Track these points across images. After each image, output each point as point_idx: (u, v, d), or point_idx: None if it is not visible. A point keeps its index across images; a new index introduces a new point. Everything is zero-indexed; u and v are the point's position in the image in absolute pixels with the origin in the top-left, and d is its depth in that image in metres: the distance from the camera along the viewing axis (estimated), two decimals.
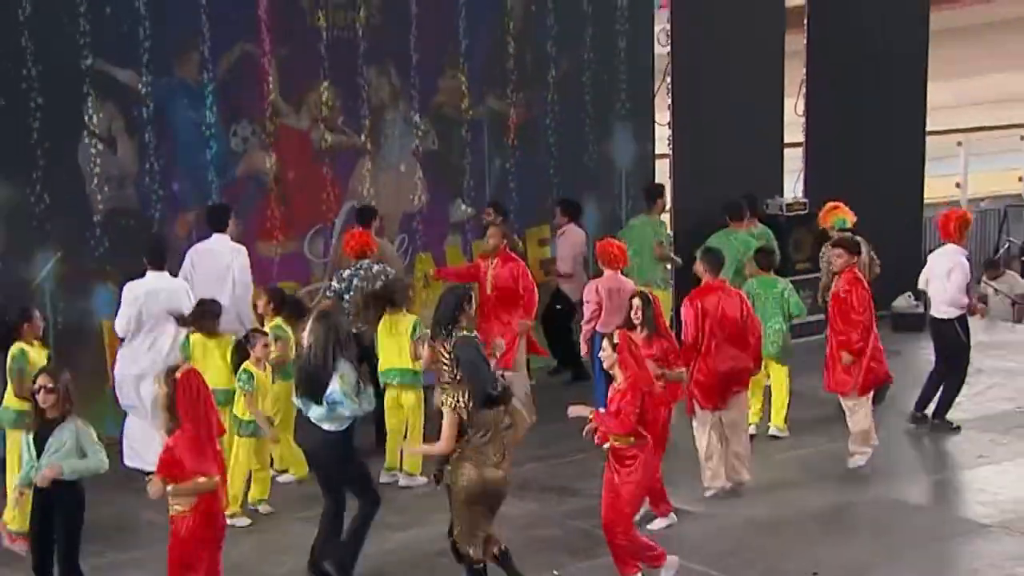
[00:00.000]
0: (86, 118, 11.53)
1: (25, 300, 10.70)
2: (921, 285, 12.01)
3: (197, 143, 12.05)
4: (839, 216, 12.07)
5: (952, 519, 9.87)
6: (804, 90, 15.63)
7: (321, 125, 12.62)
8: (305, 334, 8.77)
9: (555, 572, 9.04)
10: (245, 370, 9.68)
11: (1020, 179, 21.45)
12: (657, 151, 14.80)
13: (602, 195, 14.27)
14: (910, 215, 16.33)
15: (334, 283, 11.34)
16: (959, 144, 20.19)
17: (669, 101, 14.56)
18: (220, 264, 11.12)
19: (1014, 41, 23.31)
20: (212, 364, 9.92)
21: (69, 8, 11.33)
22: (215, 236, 11.20)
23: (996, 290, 16.46)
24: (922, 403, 11.82)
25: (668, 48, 14.50)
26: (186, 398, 7.51)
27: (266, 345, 9.69)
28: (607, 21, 14.10)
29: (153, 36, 11.71)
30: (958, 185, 20.45)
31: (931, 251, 12.62)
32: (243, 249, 11.28)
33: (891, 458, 11.09)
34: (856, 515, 10.02)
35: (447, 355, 8.56)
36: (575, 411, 8.52)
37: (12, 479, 9.01)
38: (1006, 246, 19.52)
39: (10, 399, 9.54)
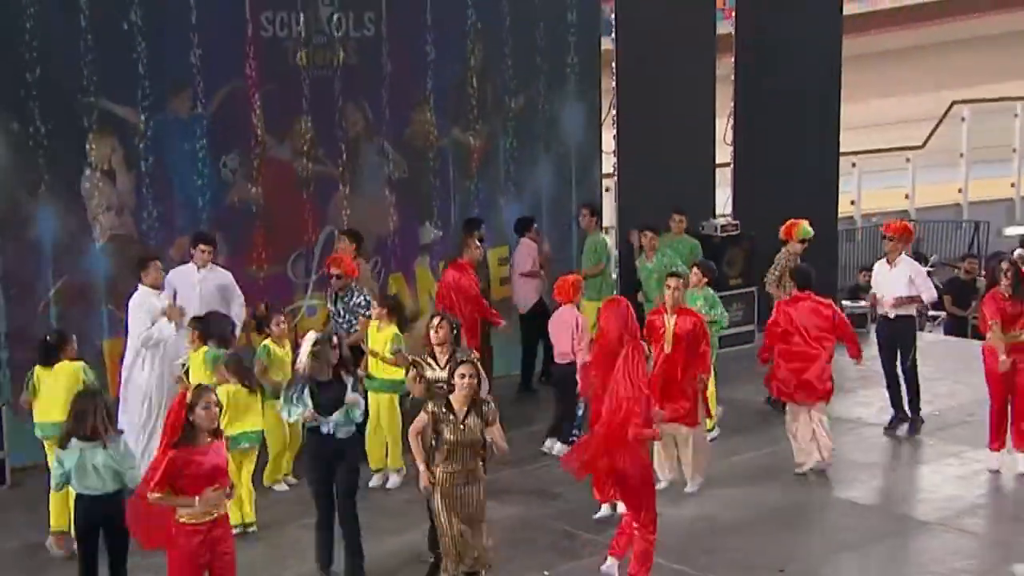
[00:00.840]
0: (88, 150, 11.87)
1: (33, 323, 11.19)
2: (873, 291, 12.61)
3: (190, 173, 12.42)
4: (803, 228, 12.81)
5: (897, 517, 10.41)
6: (732, 115, 16.19)
7: (303, 156, 13.03)
8: (305, 356, 9.17)
9: (545, 573, 9.38)
10: (265, 346, 10.41)
11: (906, 196, 22.31)
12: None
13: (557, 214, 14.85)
14: (827, 230, 16.82)
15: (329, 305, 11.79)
16: (853, 165, 20.98)
17: (614, 131, 15.22)
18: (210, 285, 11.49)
19: (893, 69, 24.30)
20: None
21: (72, 50, 11.69)
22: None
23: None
24: (900, 407, 12.43)
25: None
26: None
27: (279, 323, 10.47)
28: (558, 56, 14.64)
29: (150, 74, 12.07)
30: (853, 203, 21.26)
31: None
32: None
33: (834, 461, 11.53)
34: (810, 514, 10.59)
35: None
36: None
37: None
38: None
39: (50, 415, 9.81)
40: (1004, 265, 11.12)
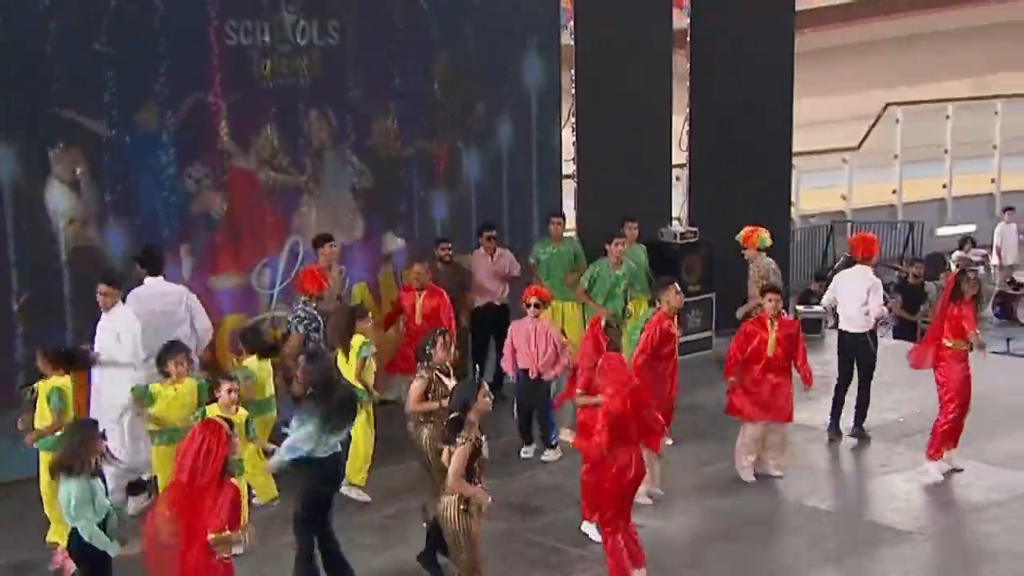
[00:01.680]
0: (52, 161, 11.64)
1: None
2: (827, 303, 12.81)
3: (155, 184, 12.23)
4: (761, 236, 12.91)
5: (872, 526, 10.52)
6: (688, 116, 16.18)
7: (267, 166, 12.89)
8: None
9: None
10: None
11: (843, 197, 22.60)
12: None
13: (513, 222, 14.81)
14: (781, 233, 16.87)
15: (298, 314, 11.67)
16: (792, 166, 21.13)
17: (573, 137, 15.22)
18: (168, 305, 11.27)
19: (827, 68, 24.55)
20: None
21: (40, 61, 11.48)
22: (153, 280, 11.30)
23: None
24: (836, 419, 12.60)
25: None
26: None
27: (231, 391, 9.82)
28: (516, 62, 14.58)
29: (117, 86, 11.84)
30: (791, 204, 21.40)
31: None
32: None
33: (801, 468, 11.76)
34: (782, 524, 10.70)
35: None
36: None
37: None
38: (842, 259, 20.49)
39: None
40: (970, 275, 11.41)
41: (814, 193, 22.39)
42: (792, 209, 21.22)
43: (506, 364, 12.10)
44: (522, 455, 12.04)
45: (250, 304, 12.89)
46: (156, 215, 12.24)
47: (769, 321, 11.27)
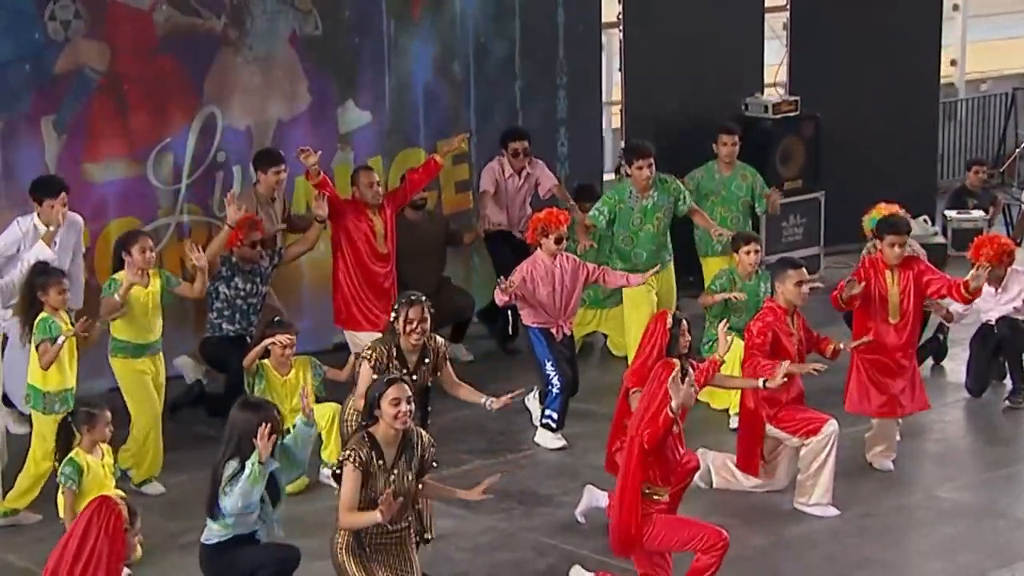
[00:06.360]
0: None
1: None
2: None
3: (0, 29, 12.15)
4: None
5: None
6: None
7: (168, 3, 12.75)
8: None
9: None
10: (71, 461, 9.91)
11: None
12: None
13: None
14: (925, 109, 17.03)
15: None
16: (955, 7, 20.53)
17: None
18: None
19: None
20: None
21: None
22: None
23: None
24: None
25: None
26: None
27: (107, 424, 9.92)
28: None
29: None
30: (953, 63, 20.86)
31: None
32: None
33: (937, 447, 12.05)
34: (905, 521, 10.72)
35: None
36: None
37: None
38: (1021, 144, 20.07)
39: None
40: None
41: (989, 47, 21.79)
42: (952, 70, 20.74)
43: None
44: (548, 445, 11.99)
45: (145, 203, 12.85)
46: (5, 74, 12.16)
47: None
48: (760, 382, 10.33)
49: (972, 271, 11.26)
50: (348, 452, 8.47)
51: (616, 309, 13.23)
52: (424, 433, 8.83)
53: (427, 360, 9.88)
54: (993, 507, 10.87)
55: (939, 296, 11.52)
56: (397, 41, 13.86)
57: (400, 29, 13.84)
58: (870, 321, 11.29)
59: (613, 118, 16.07)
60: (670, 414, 8.94)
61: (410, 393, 8.54)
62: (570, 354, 12.17)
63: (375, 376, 9.27)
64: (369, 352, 9.84)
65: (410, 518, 8.69)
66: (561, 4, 14.68)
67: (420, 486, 8.69)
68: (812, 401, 11.06)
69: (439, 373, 9.99)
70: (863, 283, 11.19)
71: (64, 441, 9.88)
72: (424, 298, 9.92)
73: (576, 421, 11.88)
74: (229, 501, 8.64)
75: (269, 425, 8.57)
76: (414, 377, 9.54)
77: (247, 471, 8.59)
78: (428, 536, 9.35)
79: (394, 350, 9.81)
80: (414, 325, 9.75)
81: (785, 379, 10.32)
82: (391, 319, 9.89)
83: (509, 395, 9.91)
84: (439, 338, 10.07)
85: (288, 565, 8.85)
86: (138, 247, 10.78)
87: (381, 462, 8.47)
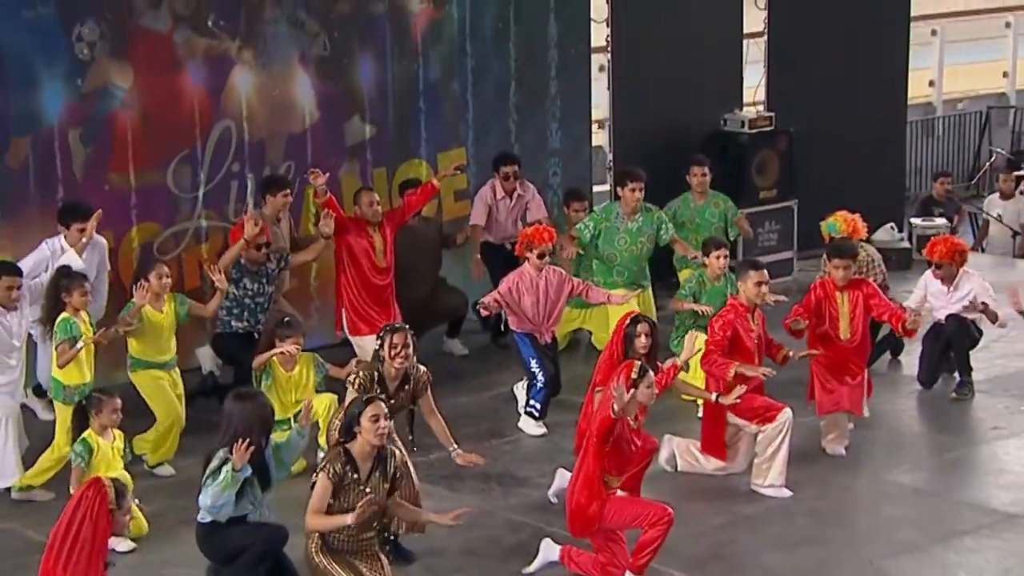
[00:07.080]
0: None
1: None
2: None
3: (32, 50, 12.44)
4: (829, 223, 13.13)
5: (969, 506, 10.80)
6: None
7: (186, 25, 13.08)
8: None
9: None
10: (84, 440, 10.39)
11: (1004, 75, 22.37)
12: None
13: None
14: (893, 120, 17.34)
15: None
16: (934, 33, 21.09)
17: None
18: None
19: None
20: None
21: None
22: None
23: (998, 216, 17.40)
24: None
25: None
26: None
27: (114, 410, 10.44)
28: None
29: None
30: (932, 83, 21.35)
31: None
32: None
33: (888, 435, 12.22)
34: (852, 502, 11.07)
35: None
36: None
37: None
38: (992, 158, 20.48)
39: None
40: None
41: (965, 69, 22.28)
42: (931, 91, 21.26)
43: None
44: (530, 431, 12.37)
45: (165, 210, 13.24)
46: (34, 92, 12.49)
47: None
48: (713, 396, 10.83)
49: (911, 316, 11.71)
50: (324, 463, 8.91)
51: (600, 308, 13.37)
52: (397, 451, 9.30)
53: (407, 387, 10.10)
54: (934, 489, 11.19)
55: (880, 320, 11.95)
56: (399, 60, 14.15)
57: (402, 50, 14.13)
58: (820, 341, 11.70)
59: (595, 136, 16.21)
60: (611, 415, 9.16)
61: (387, 411, 8.95)
62: (553, 355, 12.48)
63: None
64: (353, 377, 10.09)
65: (377, 527, 9.14)
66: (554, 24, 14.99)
67: (390, 502, 9.07)
68: (777, 392, 11.36)
69: (418, 401, 10.21)
70: (807, 321, 11.60)
71: (78, 424, 10.41)
72: (407, 326, 10.21)
73: (557, 410, 12.19)
74: (204, 497, 8.93)
75: (246, 441, 8.80)
76: (392, 401, 9.74)
77: (221, 475, 8.82)
78: (394, 534, 9.69)
79: (376, 375, 10.05)
80: (398, 350, 9.97)
81: (738, 400, 10.68)
82: (376, 347, 10.13)
83: (472, 465, 10.19)
84: (422, 368, 10.25)
85: (277, 543, 9.10)
86: (155, 273, 11.35)
87: (356, 475, 8.88)
